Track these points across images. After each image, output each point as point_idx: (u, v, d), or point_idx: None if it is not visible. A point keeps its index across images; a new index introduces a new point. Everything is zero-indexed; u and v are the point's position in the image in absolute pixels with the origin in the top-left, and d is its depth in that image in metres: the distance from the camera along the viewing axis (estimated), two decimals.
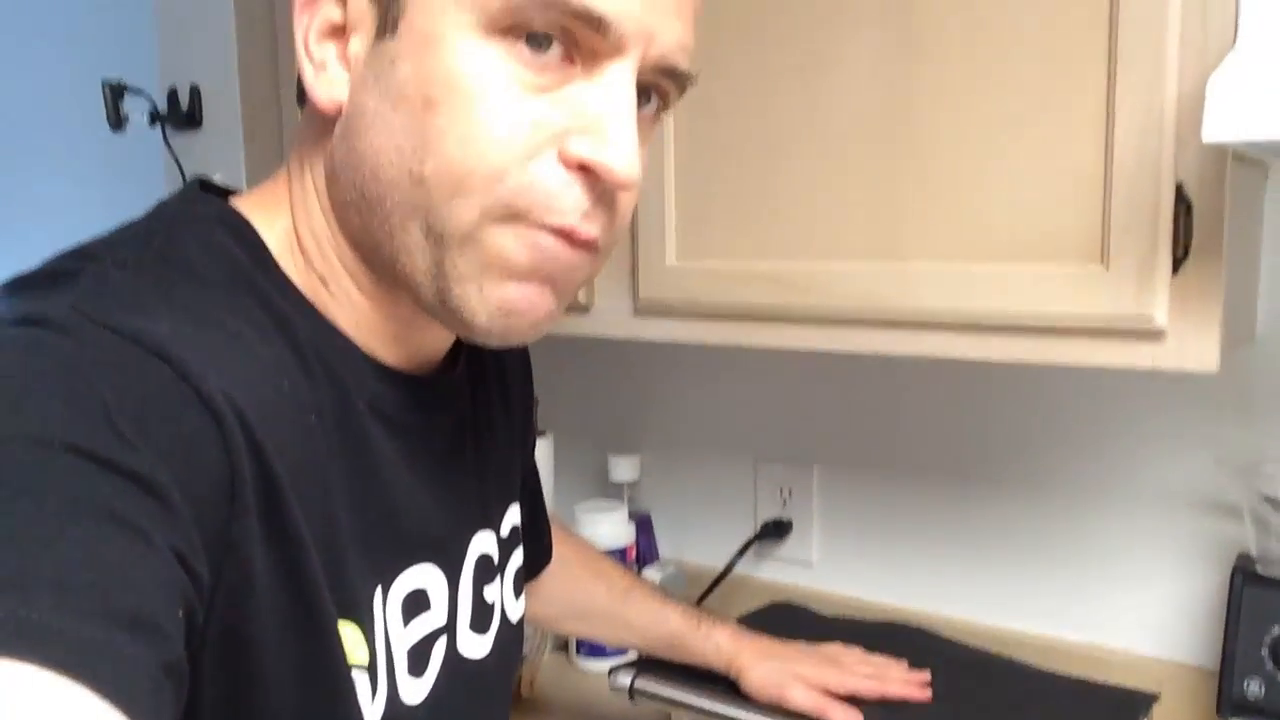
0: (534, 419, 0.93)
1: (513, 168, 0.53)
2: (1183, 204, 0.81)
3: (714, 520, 1.49)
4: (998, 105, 0.89)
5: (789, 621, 1.22)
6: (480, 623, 0.72)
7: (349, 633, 0.57)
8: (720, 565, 1.40)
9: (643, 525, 1.46)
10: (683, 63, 0.57)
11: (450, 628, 0.68)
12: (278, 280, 0.57)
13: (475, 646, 0.71)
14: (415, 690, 0.64)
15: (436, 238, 0.54)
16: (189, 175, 0.95)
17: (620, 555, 1.37)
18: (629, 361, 1.55)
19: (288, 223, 0.59)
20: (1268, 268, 1.08)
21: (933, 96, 0.92)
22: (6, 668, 0.35)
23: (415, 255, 0.55)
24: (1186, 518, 1.15)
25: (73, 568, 0.39)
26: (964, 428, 1.28)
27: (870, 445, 1.36)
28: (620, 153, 0.53)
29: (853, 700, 0.98)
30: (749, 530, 1.44)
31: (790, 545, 1.43)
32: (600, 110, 0.53)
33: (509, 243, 0.54)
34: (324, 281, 0.59)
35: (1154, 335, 0.85)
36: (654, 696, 1.06)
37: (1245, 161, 0.88)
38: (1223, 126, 0.67)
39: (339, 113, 0.56)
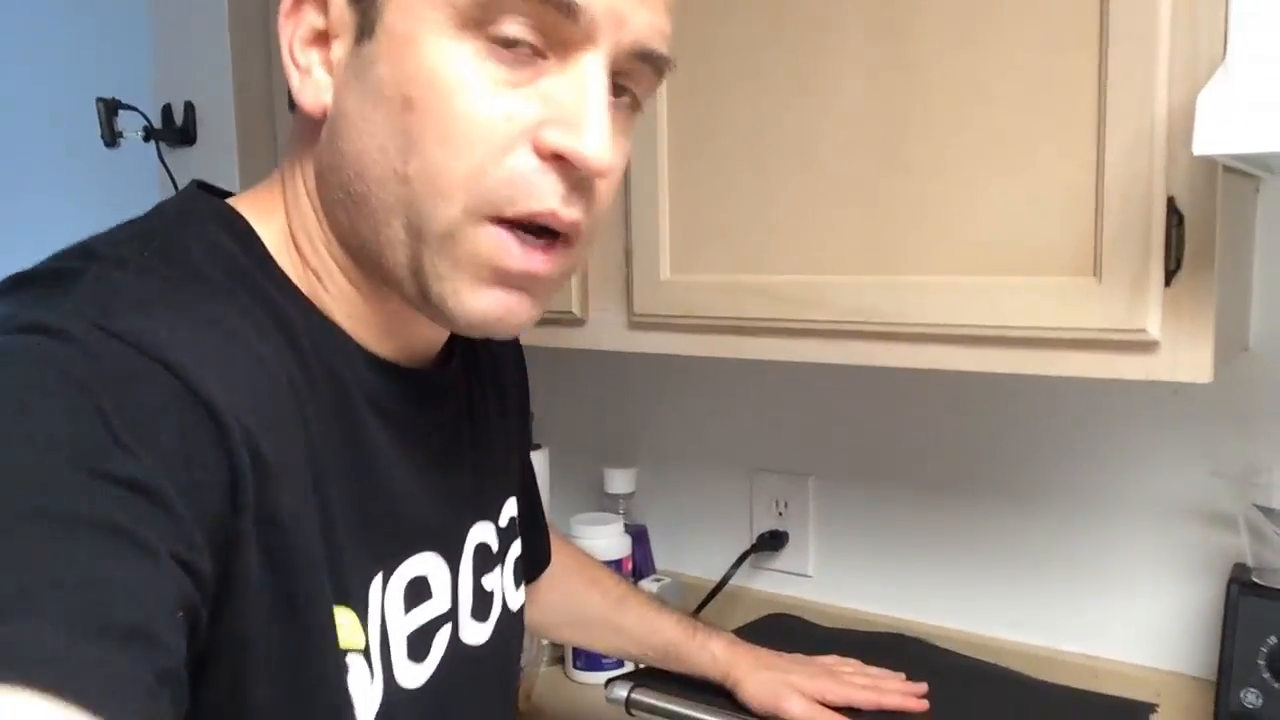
0: (530, 416, 0.94)
1: (490, 163, 0.54)
2: (1174, 217, 0.82)
3: (710, 532, 1.49)
4: (990, 120, 0.90)
5: (785, 633, 1.22)
6: (481, 610, 0.73)
7: (345, 619, 0.58)
8: (716, 577, 1.40)
9: (639, 537, 1.46)
10: (659, 46, 0.58)
11: (453, 615, 0.69)
12: (275, 277, 0.59)
13: (477, 634, 0.72)
14: (414, 675, 0.64)
15: (417, 234, 0.56)
16: None
17: (616, 567, 1.36)
18: (624, 375, 1.55)
19: (282, 222, 0.61)
20: (1260, 279, 1.08)
21: (925, 112, 0.93)
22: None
23: (398, 251, 0.57)
24: (1182, 528, 1.15)
25: (69, 585, 0.40)
26: (959, 440, 1.28)
27: (866, 457, 1.36)
28: (591, 140, 0.54)
29: (849, 711, 0.98)
30: (745, 542, 1.43)
31: (786, 557, 1.43)
32: (571, 100, 0.55)
33: (486, 244, 0.56)
34: (319, 278, 0.60)
35: (1147, 347, 0.85)
36: (650, 709, 1.06)
37: (1236, 174, 0.88)
38: (1213, 140, 0.68)
39: (324, 116, 0.58)
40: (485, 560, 0.74)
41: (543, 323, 1.18)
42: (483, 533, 0.74)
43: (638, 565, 1.45)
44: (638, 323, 1.14)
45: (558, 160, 0.55)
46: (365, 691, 0.59)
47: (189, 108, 1.69)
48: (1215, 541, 1.13)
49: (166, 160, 1.70)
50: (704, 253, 1.08)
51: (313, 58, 0.58)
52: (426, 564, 0.66)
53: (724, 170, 1.05)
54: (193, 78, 1.67)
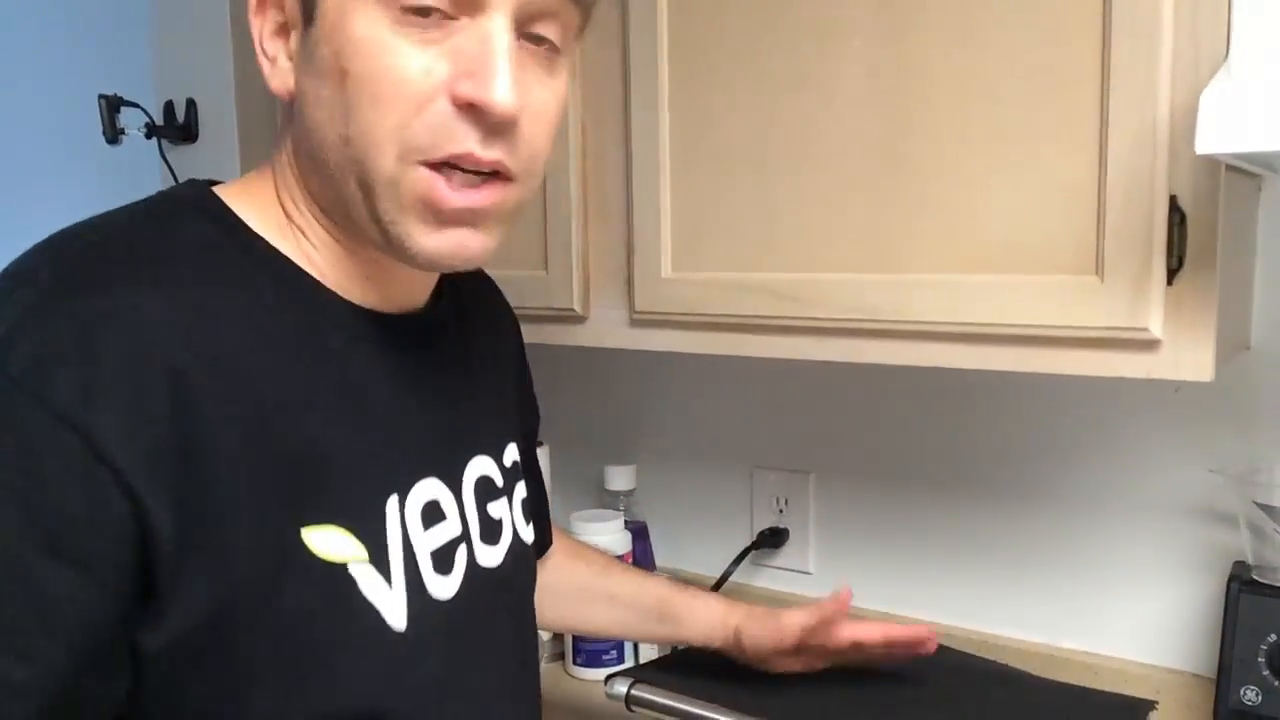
0: (530, 383, 0.97)
1: (412, 115, 0.61)
2: (1176, 215, 0.82)
3: (710, 529, 1.49)
4: (992, 119, 0.90)
5: None
6: (489, 535, 0.78)
7: (328, 535, 0.63)
8: (717, 574, 1.41)
9: (639, 534, 1.46)
10: None
11: (466, 537, 0.75)
12: (252, 245, 0.66)
13: (490, 556, 0.78)
14: (444, 586, 0.71)
15: (368, 188, 0.63)
16: None
17: None
18: (625, 372, 1.55)
19: (273, 195, 0.69)
20: (1261, 278, 1.08)
21: (927, 110, 0.93)
22: None
23: (359, 206, 0.64)
24: (1183, 526, 1.16)
25: None
26: (960, 437, 1.29)
27: (866, 454, 1.36)
28: (497, 87, 0.60)
29: (854, 710, 0.98)
30: (745, 539, 1.44)
31: (786, 554, 1.43)
32: (477, 53, 0.61)
33: (421, 185, 0.62)
34: (305, 236, 0.68)
35: (1149, 345, 0.85)
36: (650, 704, 1.06)
37: (1238, 173, 0.88)
38: (1215, 139, 0.68)
39: (291, 98, 0.66)
40: (488, 490, 0.79)
41: (544, 320, 1.19)
42: (483, 465, 0.79)
43: (638, 562, 1.45)
44: (639, 320, 1.14)
45: (471, 108, 0.61)
46: (386, 597, 0.65)
47: (191, 104, 1.69)
48: (1215, 539, 1.14)
49: (168, 157, 1.70)
50: (705, 250, 1.08)
51: (279, 48, 0.66)
52: (433, 489, 0.72)
53: (725, 168, 1.05)
54: (194, 74, 1.68)
